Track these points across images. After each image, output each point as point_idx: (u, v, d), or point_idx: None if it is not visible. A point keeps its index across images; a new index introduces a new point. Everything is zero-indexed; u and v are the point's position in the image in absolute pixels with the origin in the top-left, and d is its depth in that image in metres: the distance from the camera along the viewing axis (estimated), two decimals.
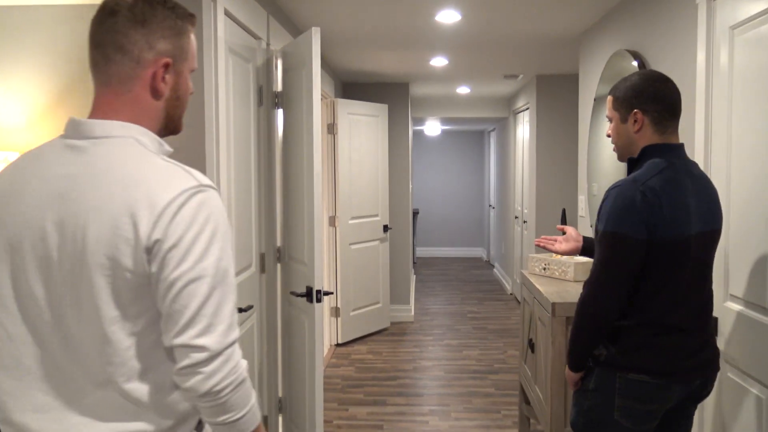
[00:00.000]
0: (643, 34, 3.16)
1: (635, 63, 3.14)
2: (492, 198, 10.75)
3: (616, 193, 1.87)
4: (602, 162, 3.72)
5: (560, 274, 3.62)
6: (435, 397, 4.57)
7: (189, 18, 1.24)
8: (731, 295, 2.29)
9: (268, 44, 3.32)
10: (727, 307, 2.31)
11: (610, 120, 2.03)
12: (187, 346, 1.10)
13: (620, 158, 2.05)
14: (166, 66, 1.20)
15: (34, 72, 2.42)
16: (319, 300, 2.96)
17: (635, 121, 1.93)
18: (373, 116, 6.27)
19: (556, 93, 6.36)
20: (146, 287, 1.11)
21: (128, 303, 1.12)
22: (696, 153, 2.53)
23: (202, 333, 1.10)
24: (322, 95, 5.54)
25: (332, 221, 5.91)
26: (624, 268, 1.84)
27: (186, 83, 1.26)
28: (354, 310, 6.09)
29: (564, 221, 4.29)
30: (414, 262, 10.15)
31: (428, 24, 4.18)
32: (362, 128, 6.12)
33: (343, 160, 5.88)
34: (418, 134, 11.88)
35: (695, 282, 1.89)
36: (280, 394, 3.52)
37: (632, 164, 1.98)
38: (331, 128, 5.84)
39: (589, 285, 1.91)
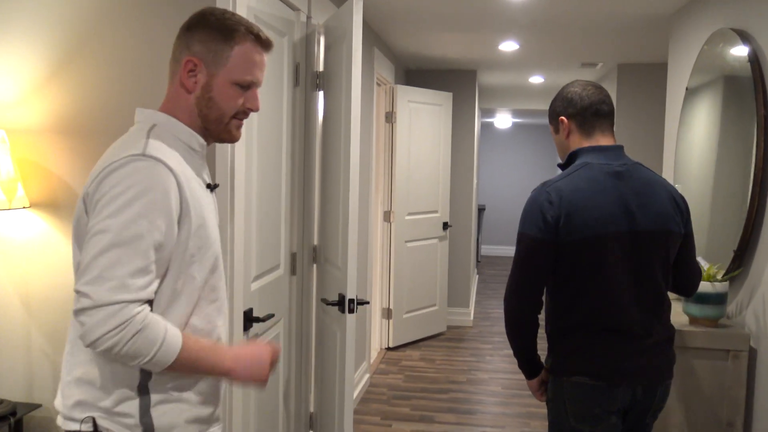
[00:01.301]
0: (752, 9, 2.62)
1: (744, 46, 2.60)
2: None
3: (529, 197, 1.96)
4: (690, 161, 3.19)
5: None
6: (489, 416, 4.12)
7: (240, 31, 1.36)
8: None
9: (309, 17, 2.94)
10: None
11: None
12: (78, 291, 1.20)
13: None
14: (192, 64, 1.35)
15: (27, 45, 2.12)
16: (351, 310, 2.57)
17: (563, 128, 2.02)
18: (436, 105, 5.83)
19: (640, 85, 5.76)
20: None
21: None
22: None
23: (90, 282, 1.18)
24: (380, 81, 5.14)
25: (387, 216, 5.52)
26: (531, 264, 1.91)
27: (223, 90, 1.37)
28: (407, 312, 5.69)
29: None
30: (478, 261, 9.66)
31: (497, 2, 3.72)
32: (423, 117, 5.69)
33: (402, 151, 5.47)
34: (488, 126, 11.33)
35: (633, 284, 1.89)
36: (311, 410, 3.17)
37: (563, 170, 2.02)
38: (389, 116, 5.44)
39: (507, 287, 1.97)
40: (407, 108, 5.50)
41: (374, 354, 5.42)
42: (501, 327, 6.39)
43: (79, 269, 1.21)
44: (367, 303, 2.63)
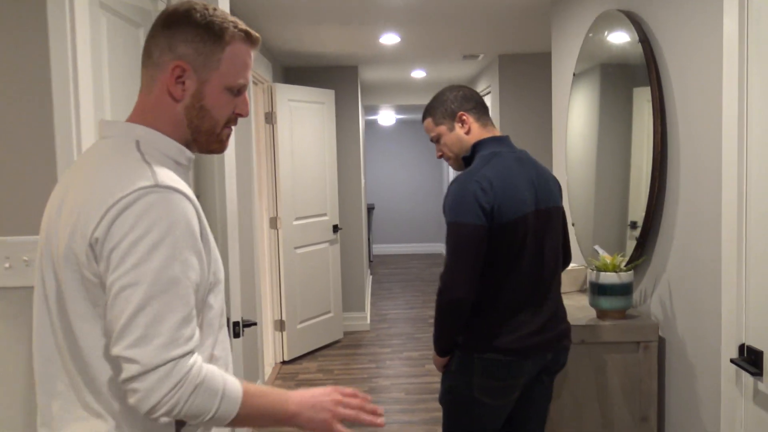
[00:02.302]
0: None
1: (632, 26, 2.51)
2: None
3: (455, 187, 2.01)
4: (582, 152, 3.11)
5: None
6: (395, 426, 3.92)
7: (230, 30, 1.22)
8: None
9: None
10: None
11: (437, 140, 2.19)
12: (121, 357, 1.06)
13: (458, 167, 2.20)
14: (180, 70, 1.19)
15: None
16: (237, 334, 2.28)
17: (462, 123, 2.15)
18: (318, 103, 5.57)
19: (521, 75, 5.76)
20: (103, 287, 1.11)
21: (96, 300, 1.12)
22: (726, 140, 1.92)
23: (135, 344, 1.05)
24: (257, 80, 4.82)
25: (274, 223, 5.20)
26: (471, 254, 1.95)
27: (216, 97, 1.22)
28: (301, 322, 5.40)
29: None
30: (370, 261, 9.49)
31: None
32: (306, 117, 5.42)
33: (284, 153, 5.17)
34: (372, 124, 11.20)
35: (535, 259, 2.03)
36: None
37: (467, 162, 2.14)
38: (269, 117, 5.13)
39: (443, 275, 1.99)
40: (288, 107, 5.21)
41: (268, 370, 5.09)
42: (399, 329, 6.23)
43: (112, 331, 1.07)
44: (255, 324, 2.34)
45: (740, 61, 1.83)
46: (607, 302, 2.42)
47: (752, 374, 1.77)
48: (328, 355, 5.44)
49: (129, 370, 1.05)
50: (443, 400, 2.15)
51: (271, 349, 5.25)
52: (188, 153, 1.25)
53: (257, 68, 4.61)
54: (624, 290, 2.41)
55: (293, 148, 5.27)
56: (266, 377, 4.87)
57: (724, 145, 1.92)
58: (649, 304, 2.53)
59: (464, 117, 2.14)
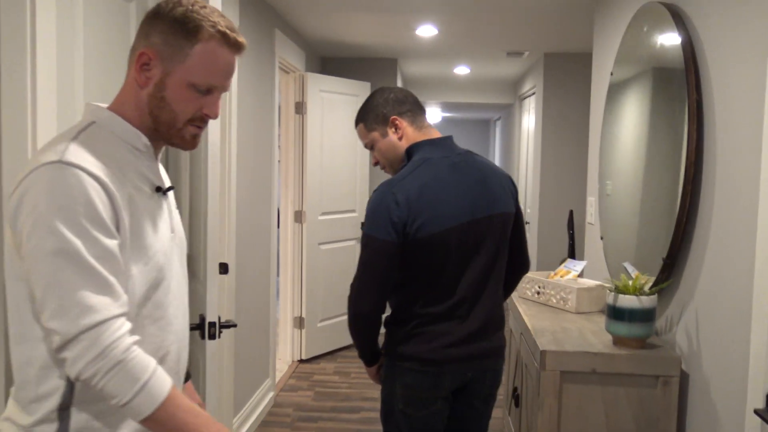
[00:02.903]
0: None
1: (674, 23, 2.23)
2: None
3: (374, 197, 1.93)
4: (617, 158, 2.83)
5: (558, 302, 2.75)
6: None
7: (205, 29, 1.20)
8: None
9: None
10: None
11: (370, 147, 2.06)
12: (46, 329, 1.10)
13: (396, 173, 2.03)
14: (147, 57, 1.20)
15: None
16: (212, 336, 2.11)
17: (396, 128, 2.02)
18: (352, 95, 5.38)
19: (567, 75, 5.45)
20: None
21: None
22: (765, 158, 1.65)
23: (53, 316, 1.08)
24: (286, 68, 4.67)
25: (298, 217, 5.05)
26: (379, 267, 1.89)
27: (177, 91, 1.21)
28: (322, 320, 5.23)
29: (571, 226, 3.42)
30: None
31: None
32: (338, 109, 5.24)
33: (313, 145, 5.01)
34: None
35: (461, 270, 1.94)
36: None
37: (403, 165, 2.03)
38: (299, 107, 4.97)
39: (351, 286, 1.94)
40: (319, 98, 5.04)
41: (285, 367, 4.95)
42: None
43: (36, 304, 1.12)
44: (234, 326, 2.16)
45: None
46: (624, 328, 2.16)
47: None
48: (347, 357, 5.26)
49: (54, 341, 1.08)
50: (381, 412, 2.09)
51: (289, 346, 5.11)
52: (145, 139, 1.25)
53: (289, 56, 4.46)
54: (645, 316, 2.14)
55: (323, 140, 5.10)
56: (279, 375, 4.72)
57: (763, 164, 1.65)
58: (674, 333, 2.26)
59: (397, 122, 2.02)
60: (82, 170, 1.11)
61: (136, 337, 1.13)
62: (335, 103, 5.20)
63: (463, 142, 11.06)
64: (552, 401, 2.15)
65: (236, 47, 1.25)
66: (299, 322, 5.09)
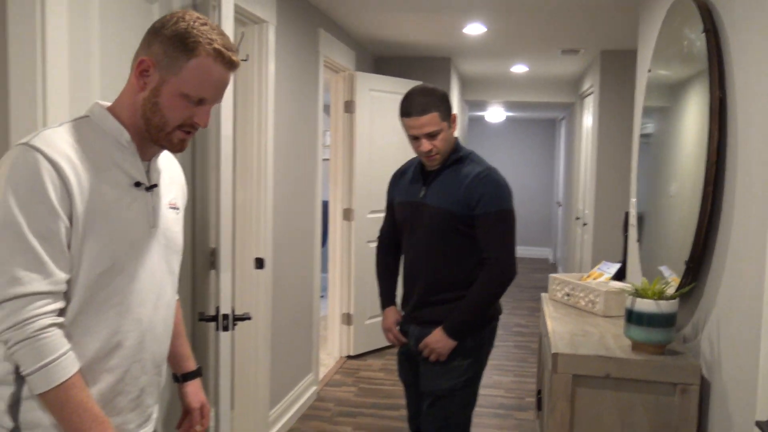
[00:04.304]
0: None
1: (701, 18, 2.14)
2: (560, 194, 9.65)
3: (498, 178, 2.33)
4: (682, 154, 2.71)
5: (586, 305, 2.69)
6: None
7: (202, 45, 1.29)
8: None
9: None
10: None
11: (433, 135, 2.27)
12: None
13: (435, 164, 2.36)
14: (146, 65, 1.31)
15: None
16: (225, 328, 2.17)
17: (454, 122, 2.36)
18: (402, 94, 5.38)
19: (624, 72, 5.29)
20: None
21: None
22: None
23: None
24: (335, 67, 4.72)
25: (347, 214, 5.10)
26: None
27: (170, 99, 1.31)
28: (370, 318, 5.27)
29: (626, 228, 3.33)
30: None
31: None
32: (388, 108, 5.26)
33: (362, 144, 5.05)
34: (479, 121, 10.86)
35: None
36: None
37: (449, 157, 2.37)
38: (348, 106, 5.02)
39: (508, 255, 2.28)
40: (369, 97, 5.07)
41: (332, 363, 5.01)
42: None
43: None
44: (248, 318, 2.22)
45: None
46: (641, 333, 2.09)
47: None
48: (394, 354, 5.27)
49: None
50: (461, 382, 2.34)
51: (337, 341, 5.17)
52: (127, 136, 1.34)
53: (336, 57, 4.51)
54: (663, 321, 2.07)
55: (372, 139, 5.13)
56: (325, 371, 4.79)
57: None
58: (699, 340, 2.17)
59: (455, 116, 2.35)
60: (42, 154, 1.21)
61: (59, 319, 1.22)
62: (385, 102, 5.22)
63: (528, 142, 10.89)
64: (564, 405, 2.10)
65: (230, 65, 1.34)
66: (347, 319, 5.15)
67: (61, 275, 1.23)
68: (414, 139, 2.29)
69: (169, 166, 1.52)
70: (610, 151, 5.38)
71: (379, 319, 5.33)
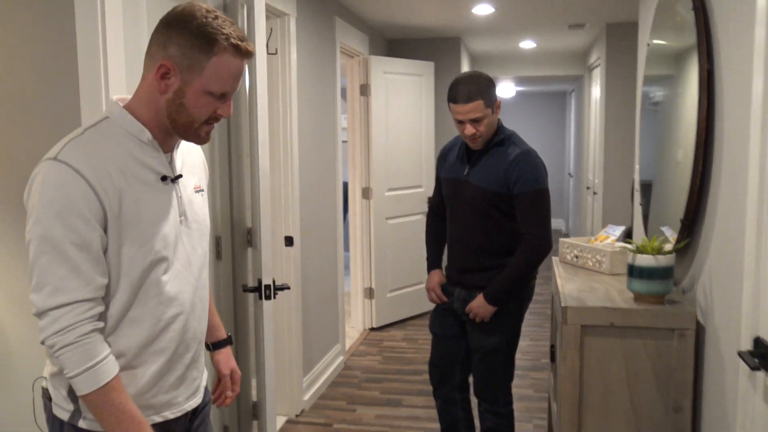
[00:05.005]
0: None
1: (691, 2, 2.34)
2: (571, 166, 9.82)
3: (535, 160, 2.57)
4: (684, 122, 2.90)
5: (593, 265, 2.91)
6: None
7: (220, 43, 1.32)
8: None
9: None
10: None
11: (478, 120, 2.50)
12: (30, 299, 1.30)
13: (481, 146, 2.61)
14: (165, 69, 1.33)
15: None
16: (268, 297, 2.41)
17: (498, 109, 2.58)
18: (416, 75, 5.60)
19: (630, 44, 5.46)
20: None
21: None
22: (753, 119, 1.77)
23: (33, 290, 1.29)
24: (350, 52, 4.93)
25: (366, 193, 5.33)
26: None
27: (195, 98, 1.35)
28: (391, 291, 5.52)
29: (633, 195, 3.54)
30: None
31: None
32: (402, 89, 5.47)
33: (378, 125, 5.27)
34: None
35: None
36: (254, 399, 3.03)
37: (492, 139, 2.61)
38: (364, 89, 5.23)
39: (545, 231, 2.58)
40: (383, 80, 5.28)
41: (356, 335, 5.28)
42: None
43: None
44: (287, 288, 2.47)
45: None
46: (642, 286, 2.31)
47: (751, 367, 1.66)
48: (415, 325, 5.54)
49: (32, 309, 1.30)
50: (505, 340, 2.67)
51: (360, 315, 5.43)
52: (148, 134, 1.39)
53: (351, 42, 4.72)
54: (661, 274, 2.29)
55: (388, 120, 5.35)
56: (350, 342, 5.05)
57: (751, 124, 1.78)
58: (695, 290, 2.39)
59: (499, 102, 2.56)
60: (70, 167, 1.28)
61: (99, 324, 1.32)
62: (399, 84, 5.43)
63: (539, 115, 11.04)
64: (574, 354, 2.33)
65: (247, 55, 1.38)
66: (369, 293, 5.40)
67: (100, 281, 1.31)
68: (459, 122, 2.52)
69: (188, 151, 1.56)
70: (617, 121, 5.56)
71: (400, 292, 5.59)
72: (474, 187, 2.59)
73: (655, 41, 2.94)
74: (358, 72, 5.22)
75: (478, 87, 2.47)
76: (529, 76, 7.91)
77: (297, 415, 3.72)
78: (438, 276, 2.83)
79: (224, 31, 1.33)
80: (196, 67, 1.33)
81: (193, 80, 1.34)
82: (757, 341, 1.72)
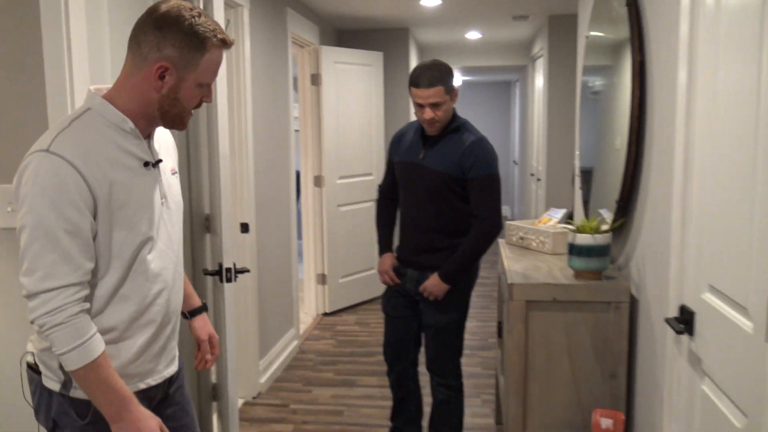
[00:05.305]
0: None
1: None
2: (516, 154, 10.09)
3: (487, 145, 2.73)
4: (621, 110, 3.09)
5: (537, 245, 3.08)
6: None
7: (211, 40, 1.46)
8: (710, 286, 1.74)
9: None
10: (704, 300, 1.76)
11: (438, 105, 2.62)
12: (21, 281, 1.38)
13: (438, 131, 2.73)
14: (164, 68, 1.44)
15: None
16: (229, 279, 2.50)
17: (456, 96, 2.71)
18: (366, 65, 5.70)
19: (570, 36, 5.67)
20: None
21: None
22: (678, 109, 1.95)
23: (24, 274, 1.37)
24: (302, 42, 5.00)
25: (318, 181, 5.43)
26: None
27: (189, 92, 1.49)
28: (343, 276, 5.64)
29: (574, 180, 3.72)
30: None
31: None
32: (352, 79, 5.57)
33: (329, 114, 5.36)
34: None
35: None
36: (213, 380, 3.11)
37: (448, 125, 2.74)
38: (315, 79, 5.31)
39: (497, 213, 2.71)
40: (333, 69, 5.37)
41: (309, 320, 5.38)
42: None
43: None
44: (247, 271, 2.56)
45: (691, 29, 1.85)
46: (581, 263, 2.49)
47: (677, 332, 1.84)
48: (367, 309, 5.67)
49: (22, 292, 1.39)
50: (457, 317, 2.82)
51: (314, 301, 5.53)
52: (130, 123, 1.49)
53: (302, 32, 4.80)
54: (599, 252, 2.47)
55: (338, 109, 5.45)
56: (304, 327, 5.15)
57: (677, 112, 1.95)
58: (630, 267, 2.58)
59: (457, 90, 2.71)
60: (62, 159, 1.37)
61: (86, 305, 1.41)
62: (349, 74, 5.52)
63: (485, 104, 11.28)
64: (520, 327, 2.50)
65: (229, 46, 1.54)
66: (322, 279, 5.51)
67: (88, 266, 1.41)
68: (419, 106, 2.65)
69: (161, 135, 1.66)
70: (559, 110, 5.78)
71: (352, 277, 5.71)
72: (429, 171, 2.71)
73: (592, 33, 3.12)
74: (309, 62, 5.30)
75: (440, 74, 2.61)
76: (476, 66, 8.10)
77: (254, 398, 3.81)
78: (390, 259, 2.94)
79: (210, 28, 1.46)
80: (191, 65, 1.46)
81: (189, 76, 1.47)
82: (683, 309, 1.91)
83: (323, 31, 5.61)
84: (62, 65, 1.95)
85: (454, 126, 2.73)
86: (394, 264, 2.93)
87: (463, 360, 4.18)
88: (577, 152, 3.63)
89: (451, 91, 2.66)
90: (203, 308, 1.93)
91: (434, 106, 2.63)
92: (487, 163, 2.68)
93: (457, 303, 2.83)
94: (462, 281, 2.81)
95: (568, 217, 3.36)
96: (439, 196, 2.73)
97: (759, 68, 1.44)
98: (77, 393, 1.49)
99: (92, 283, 1.45)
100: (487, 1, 5.03)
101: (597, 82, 3.09)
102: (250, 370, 3.78)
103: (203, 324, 1.90)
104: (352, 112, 5.59)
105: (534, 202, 7.03)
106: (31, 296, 1.37)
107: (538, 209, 6.67)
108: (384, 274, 2.93)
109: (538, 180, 6.55)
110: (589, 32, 3.20)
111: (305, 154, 5.43)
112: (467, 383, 3.98)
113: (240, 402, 3.74)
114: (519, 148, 9.45)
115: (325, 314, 5.55)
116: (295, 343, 4.62)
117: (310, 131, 5.37)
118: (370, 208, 5.84)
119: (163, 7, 1.46)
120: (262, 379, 3.92)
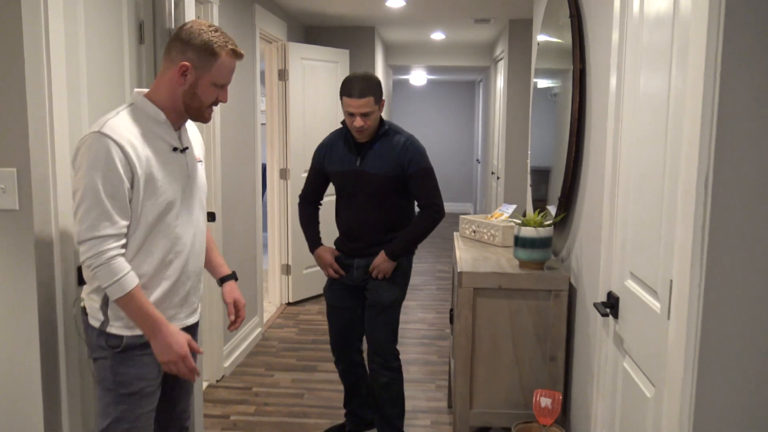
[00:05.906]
0: None
1: (567, 2, 2.71)
2: (479, 152, 10.33)
3: (418, 143, 2.99)
4: (538, 117, 3.31)
5: (489, 238, 3.29)
6: None
7: (223, 48, 1.89)
8: (630, 273, 1.95)
9: None
10: (626, 287, 1.97)
11: (367, 114, 2.84)
12: (74, 230, 1.82)
13: (367, 138, 2.94)
14: (185, 68, 1.87)
15: None
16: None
17: (383, 105, 2.93)
18: (332, 62, 5.85)
19: (528, 39, 5.90)
20: None
21: None
22: (609, 121, 2.16)
23: (76, 222, 1.79)
24: (269, 38, 5.14)
25: (284, 174, 5.57)
26: None
27: (205, 89, 1.91)
28: (307, 267, 5.79)
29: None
30: None
31: None
32: (319, 75, 5.71)
33: (296, 109, 5.50)
34: (403, 84, 11.40)
35: None
36: None
37: (377, 131, 2.95)
38: (282, 74, 5.45)
39: (440, 199, 2.97)
40: (300, 65, 5.51)
41: (273, 309, 5.52)
42: None
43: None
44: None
45: (620, 39, 2.06)
46: (525, 254, 2.69)
47: (601, 314, 2.05)
48: None
49: (75, 238, 1.84)
50: (399, 296, 3.02)
51: (278, 291, 5.67)
52: (162, 116, 1.92)
53: (270, 29, 4.93)
54: (541, 244, 2.67)
55: (305, 104, 5.59)
56: (268, 316, 5.30)
57: (608, 115, 2.16)
58: (570, 258, 2.79)
59: (384, 103, 2.93)
60: (110, 139, 1.79)
61: (122, 251, 1.82)
62: (316, 70, 5.67)
63: (449, 103, 11.50)
64: (467, 313, 2.69)
65: (239, 56, 1.96)
66: (286, 269, 5.65)
67: (123, 222, 1.81)
68: (350, 115, 2.85)
69: (192, 130, 2.10)
70: (517, 111, 6.01)
71: (316, 268, 5.86)
72: (371, 175, 2.92)
73: (544, 39, 3.33)
74: (276, 57, 5.43)
75: (370, 85, 2.82)
76: (440, 66, 8.30)
77: (218, 381, 3.96)
78: (330, 251, 3.12)
79: (223, 40, 1.90)
80: (206, 67, 1.89)
81: (204, 76, 1.90)
82: (609, 294, 2.12)
83: (291, 28, 5.74)
84: (41, 64, 2.07)
85: (383, 130, 2.94)
86: (335, 255, 3.11)
87: (420, 348, 4.39)
88: (529, 152, 3.85)
89: (379, 102, 2.88)
90: (232, 276, 2.28)
91: (364, 115, 2.83)
92: (422, 157, 2.92)
93: (400, 280, 3.03)
94: (405, 260, 3.03)
95: (522, 214, 3.58)
96: (382, 197, 2.95)
97: (669, 75, 1.64)
98: (112, 329, 1.89)
99: (127, 236, 1.84)
100: (449, 4, 5.22)
101: (555, 84, 3.30)
102: (213, 354, 3.92)
103: (230, 290, 2.25)
104: (318, 107, 5.74)
105: (494, 199, 7.26)
106: (80, 242, 1.78)
107: (497, 205, 6.90)
108: (328, 267, 3.09)
109: (498, 178, 6.77)
110: (541, 38, 3.40)
111: (271, 148, 5.56)
112: (423, 369, 4.18)
113: (204, 384, 3.88)
114: (482, 146, 9.68)
115: (289, 304, 5.70)
116: (258, 330, 4.77)
117: (277, 125, 5.50)
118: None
119: (188, 25, 1.91)
120: (226, 363, 4.06)
